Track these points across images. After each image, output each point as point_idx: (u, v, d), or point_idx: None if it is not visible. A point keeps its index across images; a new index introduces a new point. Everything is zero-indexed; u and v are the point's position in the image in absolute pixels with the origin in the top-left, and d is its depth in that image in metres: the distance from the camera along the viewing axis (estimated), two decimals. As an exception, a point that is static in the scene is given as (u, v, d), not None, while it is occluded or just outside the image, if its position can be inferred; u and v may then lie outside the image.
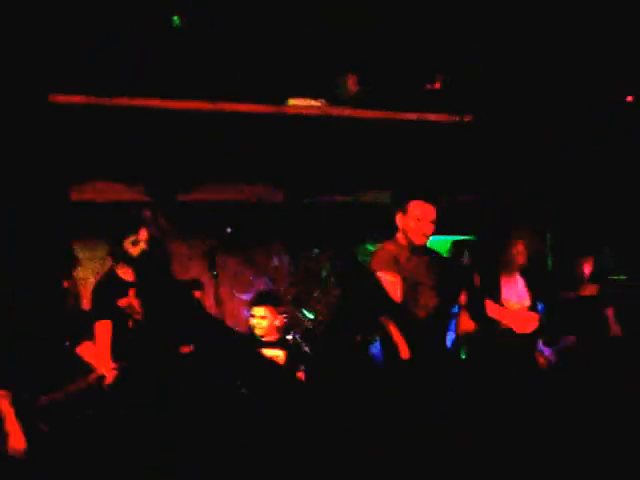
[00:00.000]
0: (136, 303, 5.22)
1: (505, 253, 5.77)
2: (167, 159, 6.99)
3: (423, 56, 6.58)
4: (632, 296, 6.27)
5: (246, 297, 7.12)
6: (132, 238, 5.19)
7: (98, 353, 5.13)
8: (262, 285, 7.71)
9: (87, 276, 7.25)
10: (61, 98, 6.20)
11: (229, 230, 6.34)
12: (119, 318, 5.17)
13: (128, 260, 5.21)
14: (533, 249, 7.69)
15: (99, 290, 5.33)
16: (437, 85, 6.69)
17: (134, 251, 5.19)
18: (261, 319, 6.02)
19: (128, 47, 6.14)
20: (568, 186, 7.85)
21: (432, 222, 5.18)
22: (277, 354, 5.90)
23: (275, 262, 7.86)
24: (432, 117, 7.00)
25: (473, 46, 6.44)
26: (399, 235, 5.25)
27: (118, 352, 5.09)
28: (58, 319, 5.28)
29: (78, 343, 5.26)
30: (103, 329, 5.12)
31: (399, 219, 5.24)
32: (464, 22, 6.17)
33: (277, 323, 6.06)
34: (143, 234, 5.21)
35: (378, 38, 6.48)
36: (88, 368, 5.16)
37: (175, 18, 5.67)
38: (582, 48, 6.62)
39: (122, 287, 5.23)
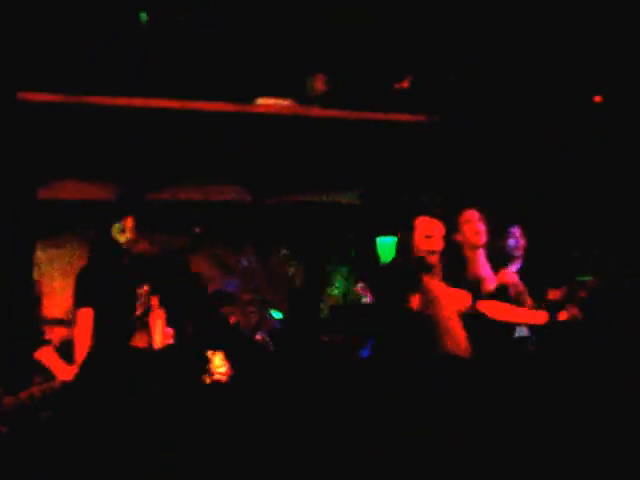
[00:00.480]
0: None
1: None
2: (136, 158, 6.98)
3: (392, 55, 6.60)
4: (599, 297, 6.30)
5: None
6: (118, 226, 5.32)
7: (54, 358, 5.22)
8: (231, 285, 7.74)
9: (53, 275, 7.26)
10: (30, 96, 6.18)
11: (197, 230, 6.30)
12: (101, 306, 5.27)
13: (115, 248, 5.32)
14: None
15: (83, 278, 5.40)
16: (405, 84, 6.73)
17: (123, 238, 5.30)
18: None
19: (97, 45, 6.13)
20: (537, 185, 7.92)
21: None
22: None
23: (244, 262, 7.88)
24: (401, 117, 7.02)
25: (443, 45, 6.48)
26: None
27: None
28: (18, 322, 5.33)
29: (37, 347, 5.32)
30: (85, 317, 5.19)
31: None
32: (433, 21, 6.20)
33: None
34: (129, 222, 5.34)
35: (347, 37, 6.50)
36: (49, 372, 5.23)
37: (143, 15, 5.66)
38: (549, 48, 6.67)
39: (105, 275, 5.35)
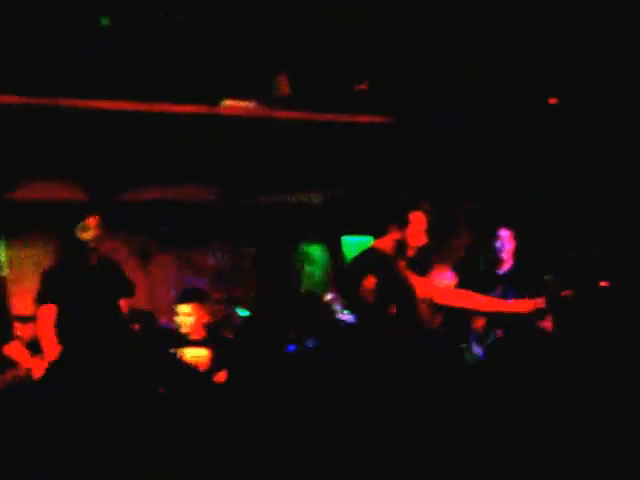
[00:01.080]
0: None
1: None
2: (104, 159, 7.08)
3: (353, 57, 6.70)
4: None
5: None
6: (81, 224, 5.48)
7: (22, 352, 5.44)
8: (199, 283, 7.85)
9: (23, 274, 7.35)
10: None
11: (164, 229, 6.38)
12: (64, 303, 5.43)
13: (82, 246, 5.49)
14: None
15: (47, 276, 5.58)
16: (364, 86, 6.86)
17: (87, 236, 5.46)
18: (186, 316, 5.73)
19: (64, 47, 6.20)
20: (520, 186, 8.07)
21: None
22: (201, 353, 5.70)
23: (211, 261, 8.00)
24: (363, 119, 7.17)
25: (401, 48, 6.59)
26: None
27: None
28: None
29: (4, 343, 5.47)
30: (47, 313, 5.38)
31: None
32: (392, 22, 6.29)
33: (204, 320, 5.82)
34: (91, 220, 5.49)
35: (310, 39, 6.59)
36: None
37: (104, 18, 5.76)
38: (510, 48, 6.78)
39: (70, 275, 5.52)
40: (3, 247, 7.25)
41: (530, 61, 6.87)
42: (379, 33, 6.32)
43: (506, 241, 5.90)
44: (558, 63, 7.01)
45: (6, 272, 7.24)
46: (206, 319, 5.84)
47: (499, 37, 6.76)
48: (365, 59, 6.67)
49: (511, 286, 5.87)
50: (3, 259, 7.28)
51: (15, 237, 7.31)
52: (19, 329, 6.81)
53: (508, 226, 5.92)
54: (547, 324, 6.03)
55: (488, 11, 6.62)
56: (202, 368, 5.64)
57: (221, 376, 5.64)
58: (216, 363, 5.67)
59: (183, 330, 5.73)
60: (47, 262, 6.74)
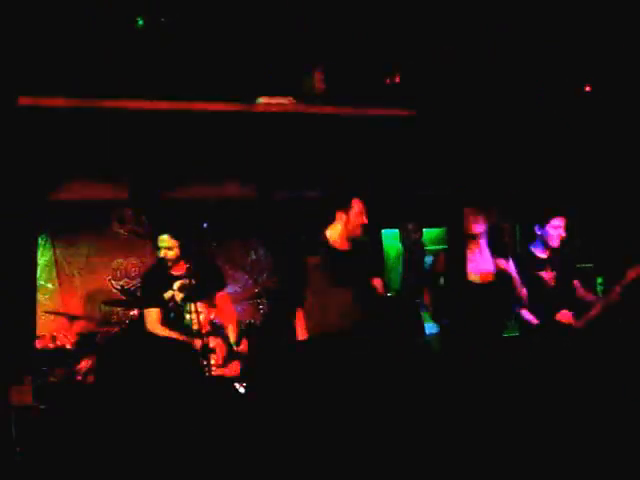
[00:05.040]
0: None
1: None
2: (146, 159, 7.26)
3: (384, 51, 6.74)
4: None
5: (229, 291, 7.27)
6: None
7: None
8: (241, 279, 8.01)
9: (72, 273, 7.56)
10: (43, 101, 6.42)
11: (205, 226, 6.51)
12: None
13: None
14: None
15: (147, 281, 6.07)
16: (397, 79, 6.92)
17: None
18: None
19: (103, 49, 6.32)
20: (533, 181, 8.14)
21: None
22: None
23: (252, 256, 8.13)
24: (396, 112, 7.24)
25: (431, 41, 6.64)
26: None
27: None
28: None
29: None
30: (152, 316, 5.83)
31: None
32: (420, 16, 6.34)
33: (212, 317, 6.09)
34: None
35: (342, 35, 6.64)
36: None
37: (139, 19, 5.87)
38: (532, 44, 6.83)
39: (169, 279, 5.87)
40: (49, 246, 7.43)
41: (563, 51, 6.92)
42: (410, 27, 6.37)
43: (559, 229, 6.06)
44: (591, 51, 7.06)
45: (53, 272, 7.44)
46: (213, 315, 6.12)
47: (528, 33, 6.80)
48: (397, 53, 6.72)
49: (555, 269, 6.11)
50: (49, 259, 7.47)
51: (61, 237, 7.48)
52: (69, 327, 7.05)
53: (561, 215, 6.07)
54: (568, 317, 6.15)
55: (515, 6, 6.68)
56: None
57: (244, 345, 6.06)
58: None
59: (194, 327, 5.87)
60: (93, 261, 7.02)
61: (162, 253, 5.86)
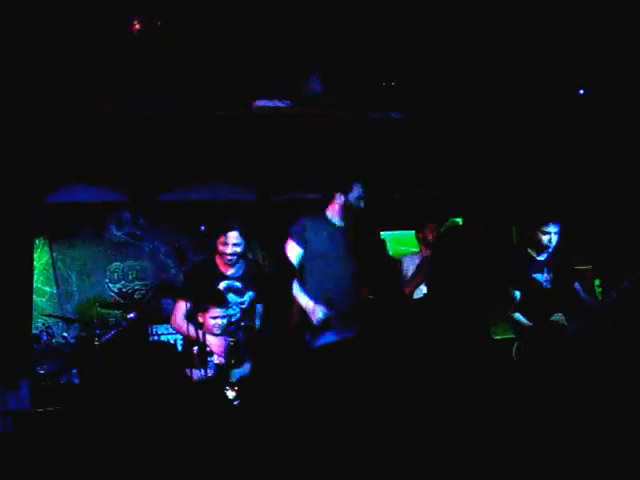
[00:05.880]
0: None
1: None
2: (144, 162, 7.27)
3: (383, 52, 6.73)
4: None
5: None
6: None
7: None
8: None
9: (69, 276, 7.55)
10: (44, 106, 6.44)
11: (202, 228, 6.51)
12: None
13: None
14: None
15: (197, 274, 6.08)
16: (396, 80, 6.92)
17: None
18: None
19: (102, 55, 6.32)
20: (532, 182, 8.14)
21: None
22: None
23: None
24: (396, 113, 7.24)
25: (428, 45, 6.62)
26: None
27: None
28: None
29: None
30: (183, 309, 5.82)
31: None
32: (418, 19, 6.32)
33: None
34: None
35: (341, 37, 6.63)
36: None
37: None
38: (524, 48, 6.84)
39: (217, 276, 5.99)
40: (47, 249, 7.43)
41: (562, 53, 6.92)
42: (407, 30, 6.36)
43: (549, 235, 6.12)
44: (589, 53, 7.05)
45: (50, 275, 7.43)
46: None
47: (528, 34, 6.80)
48: (397, 53, 6.71)
49: (551, 270, 6.19)
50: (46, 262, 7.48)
51: (58, 240, 7.48)
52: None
53: (558, 221, 6.16)
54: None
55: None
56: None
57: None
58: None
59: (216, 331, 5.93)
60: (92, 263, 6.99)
61: (230, 250, 5.97)
